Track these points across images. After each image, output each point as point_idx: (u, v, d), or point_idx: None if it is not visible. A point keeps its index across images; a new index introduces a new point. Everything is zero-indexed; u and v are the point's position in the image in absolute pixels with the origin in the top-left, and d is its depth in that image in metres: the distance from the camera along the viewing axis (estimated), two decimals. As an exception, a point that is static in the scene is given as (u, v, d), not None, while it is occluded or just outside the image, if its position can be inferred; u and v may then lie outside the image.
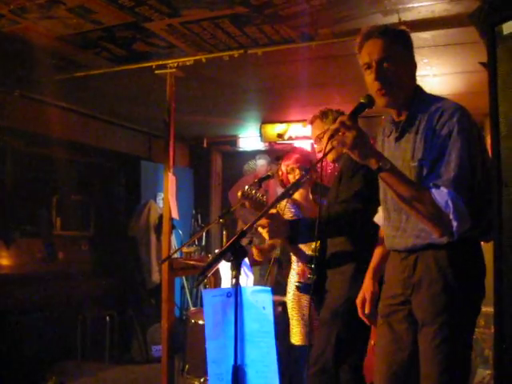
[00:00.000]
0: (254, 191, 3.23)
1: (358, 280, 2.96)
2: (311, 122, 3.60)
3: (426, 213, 2.09)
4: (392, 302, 2.39)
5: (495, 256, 1.59)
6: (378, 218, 2.64)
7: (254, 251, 4.53)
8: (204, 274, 2.65)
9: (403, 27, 2.39)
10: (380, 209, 2.58)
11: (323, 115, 3.53)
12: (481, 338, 5.12)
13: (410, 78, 2.32)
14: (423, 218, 2.12)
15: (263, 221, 2.85)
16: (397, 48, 2.26)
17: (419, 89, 2.35)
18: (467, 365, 2.23)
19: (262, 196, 3.28)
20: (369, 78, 2.29)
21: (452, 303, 2.14)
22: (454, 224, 2.03)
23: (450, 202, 2.02)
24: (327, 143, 2.11)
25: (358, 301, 2.68)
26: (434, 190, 2.06)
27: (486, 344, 5.11)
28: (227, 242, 4.37)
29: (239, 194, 3.20)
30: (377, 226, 2.68)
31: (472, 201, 2.08)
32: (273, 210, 3.02)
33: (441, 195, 2.04)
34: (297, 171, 4.06)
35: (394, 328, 2.36)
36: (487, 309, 5.03)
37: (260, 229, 2.89)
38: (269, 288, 2.13)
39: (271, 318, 2.07)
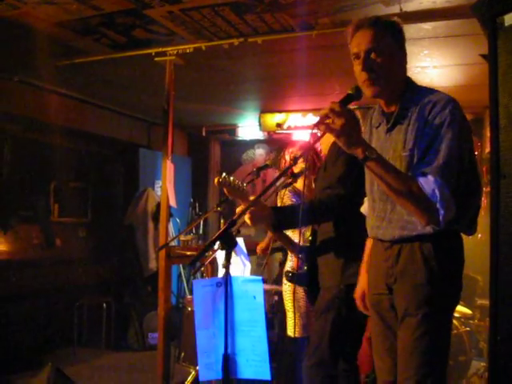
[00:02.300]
0: (231, 178, 3.19)
1: (349, 269, 2.96)
2: None
3: (412, 201, 2.09)
4: (376, 292, 2.40)
5: (492, 247, 1.59)
6: (364, 208, 2.64)
7: (258, 249, 4.54)
8: (194, 264, 2.66)
9: (395, 18, 2.34)
10: (365, 200, 2.58)
11: None
12: (476, 330, 5.15)
13: (399, 70, 2.30)
14: (410, 206, 2.11)
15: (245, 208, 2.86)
16: (386, 39, 2.23)
17: (411, 81, 2.34)
18: (446, 359, 2.24)
19: (241, 183, 3.24)
20: (357, 68, 2.28)
21: (435, 294, 2.14)
22: (441, 213, 2.03)
23: (436, 191, 2.02)
24: (313, 128, 2.10)
25: (357, 296, 2.67)
26: (421, 179, 2.06)
27: (481, 336, 5.14)
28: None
29: (216, 181, 3.15)
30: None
31: (458, 191, 2.08)
32: (253, 197, 3.03)
33: (428, 183, 2.04)
34: (301, 159, 4.05)
35: (384, 316, 2.37)
36: (482, 301, 5.09)
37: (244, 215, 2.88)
38: (260, 277, 2.12)
39: (262, 307, 2.07)
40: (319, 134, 2.16)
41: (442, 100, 2.15)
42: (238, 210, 2.89)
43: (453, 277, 2.18)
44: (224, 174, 3.18)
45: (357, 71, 2.28)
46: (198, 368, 4.34)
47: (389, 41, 2.24)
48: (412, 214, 2.15)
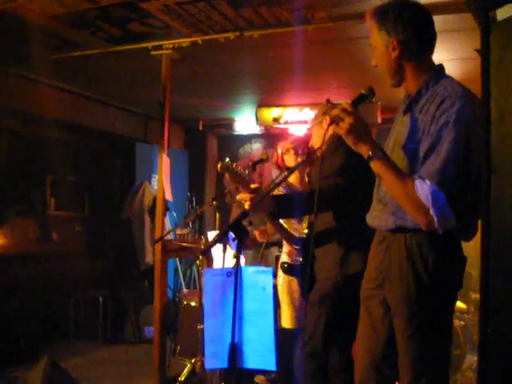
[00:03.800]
0: (234, 164, 3.21)
1: (347, 260, 2.97)
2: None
3: (409, 205, 2.09)
4: (369, 286, 2.39)
5: (482, 242, 1.60)
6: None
7: (256, 233, 4.54)
8: (207, 254, 2.68)
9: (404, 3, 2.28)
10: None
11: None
12: (470, 324, 5.17)
13: (407, 58, 2.24)
14: (407, 208, 2.11)
15: (247, 195, 2.87)
16: (381, 33, 2.24)
17: (438, 69, 2.29)
18: (443, 355, 2.21)
19: (244, 170, 3.26)
20: None
21: (422, 295, 2.13)
22: (435, 219, 2.01)
23: (429, 197, 1.99)
24: (327, 128, 2.17)
25: None
26: (417, 182, 2.03)
27: (475, 330, 5.15)
28: (220, 224, 4.41)
29: (219, 166, 3.16)
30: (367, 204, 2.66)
31: (465, 195, 2.03)
32: (255, 185, 3.05)
33: (423, 188, 2.01)
34: (292, 151, 4.08)
35: (372, 312, 2.37)
36: (477, 296, 5.09)
37: (243, 202, 2.90)
38: (270, 269, 2.18)
39: (271, 298, 2.12)
40: (325, 133, 2.23)
41: (453, 95, 2.09)
42: (239, 197, 2.91)
43: (441, 276, 2.13)
44: (227, 160, 3.20)
45: None
46: (198, 359, 4.41)
47: (385, 33, 2.23)
48: (412, 216, 2.12)
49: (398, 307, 2.19)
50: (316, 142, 3.39)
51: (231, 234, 2.09)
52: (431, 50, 2.32)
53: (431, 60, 2.31)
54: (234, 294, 2.00)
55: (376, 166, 2.12)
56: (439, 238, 2.09)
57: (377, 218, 2.34)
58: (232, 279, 2.06)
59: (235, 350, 2.03)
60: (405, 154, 2.18)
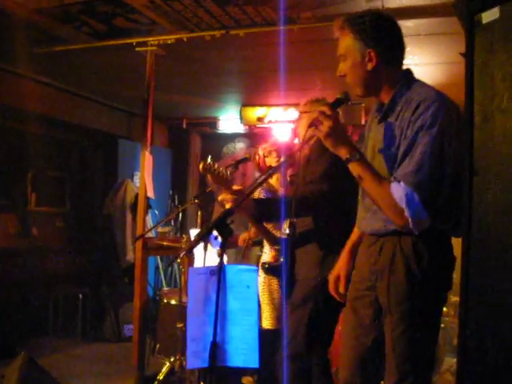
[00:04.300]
0: (216, 165, 3.19)
1: (327, 262, 2.98)
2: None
3: (384, 205, 2.13)
4: (359, 287, 2.40)
5: (463, 245, 1.60)
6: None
7: (240, 239, 4.53)
8: (191, 253, 2.65)
9: (374, 12, 2.35)
10: None
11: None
12: (449, 326, 5.20)
13: (377, 67, 2.23)
14: (383, 210, 2.15)
15: (228, 195, 2.87)
16: (351, 43, 2.25)
17: (408, 74, 2.31)
18: (429, 356, 2.24)
19: (226, 170, 3.24)
20: None
21: (414, 292, 2.15)
22: (409, 220, 2.05)
23: (404, 198, 2.04)
24: (306, 130, 2.21)
25: (331, 278, 2.66)
26: (393, 184, 2.09)
27: (454, 333, 5.18)
28: (202, 223, 4.39)
29: (200, 166, 3.14)
30: (349, 209, 2.68)
31: (439, 196, 2.08)
32: (238, 187, 3.05)
33: (398, 190, 2.06)
34: (274, 154, 4.07)
35: (359, 313, 2.37)
36: (456, 298, 5.12)
37: (224, 202, 2.89)
38: (255, 267, 2.19)
39: (255, 296, 2.13)
40: (304, 135, 2.26)
41: (428, 99, 2.12)
42: (220, 197, 2.90)
43: (434, 275, 2.17)
44: (209, 160, 3.18)
45: None
46: (177, 358, 4.39)
47: (356, 43, 2.24)
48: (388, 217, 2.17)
49: (390, 305, 2.20)
50: (301, 132, 3.37)
51: (214, 233, 2.08)
52: (403, 61, 2.34)
53: (402, 68, 2.33)
54: (217, 292, 2.00)
55: (354, 169, 2.16)
56: (432, 236, 2.14)
57: (367, 225, 2.36)
58: (215, 278, 2.06)
59: (217, 349, 2.02)
60: (385, 160, 2.21)
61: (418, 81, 2.29)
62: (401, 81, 2.26)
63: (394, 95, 2.25)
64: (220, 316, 2.02)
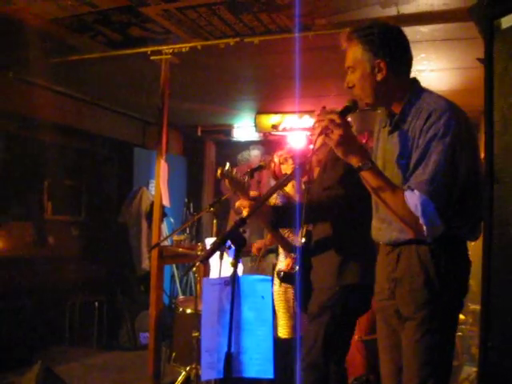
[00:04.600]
0: (234, 171, 3.20)
1: (345, 269, 2.95)
2: None
3: (398, 213, 2.15)
4: (381, 298, 2.41)
5: (484, 253, 1.58)
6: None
7: (253, 247, 4.51)
8: (206, 262, 2.64)
9: (383, 25, 2.34)
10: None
11: None
12: (468, 335, 5.13)
13: (387, 78, 2.25)
14: (397, 218, 2.17)
15: (245, 202, 2.86)
16: (361, 54, 2.25)
17: (416, 83, 2.33)
18: (448, 360, 2.25)
19: (243, 177, 3.25)
20: None
21: (433, 298, 2.16)
22: (424, 228, 2.07)
23: (419, 206, 2.05)
24: (316, 138, 2.19)
25: None
26: (407, 193, 2.09)
27: (473, 341, 5.12)
28: (217, 231, 4.38)
29: (219, 172, 3.14)
30: (364, 216, 2.67)
31: (452, 204, 2.09)
32: (255, 193, 3.04)
33: (412, 198, 2.07)
34: (290, 161, 4.05)
35: (389, 322, 2.39)
36: (475, 306, 5.06)
37: (242, 208, 2.89)
38: (269, 277, 2.16)
39: (270, 306, 2.11)
40: (315, 143, 2.23)
41: (439, 109, 2.13)
42: (238, 204, 2.90)
43: (452, 280, 2.18)
44: (227, 166, 3.19)
45: None
46: (193, 366, 4.37)
47: (365, 54, 2.24)
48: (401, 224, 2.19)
49: (409, 311, 2.22)
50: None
51: (228, 242, 2.07)
52: (410, 70, 2.36)
53: (409, 77, 2.35)
54: (231, 302, 1.98)
55: (366, 177, 2.17)
56: (448, 241, 2.15)
57: (383, 235, 2.37)
58: (230, 288, 2.05)
59: (231, 360, 2.00)
60: (398, 170, 2.22)
61: (426, 90, 2.30)
62: (409, 90, 2.28)
63: (404, 105, 2.27)
64: (234, 326, 2.00)
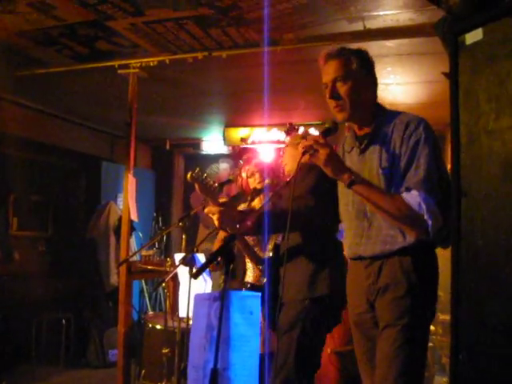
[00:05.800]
0: (204, 175, 3.18)
1: (315, 282, 2.93)
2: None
3: (400, 216, 2.22)
4: (359, 311, 2.44)
5: (453, 265, 1.59)
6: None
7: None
8: (197, 277, 2.61)
9: (362, 49, 2.49)
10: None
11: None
12: (438, 345, 5.17)
13: (367, 94, 2.43)
14: (399, 221, 2.24)
15: (215, 208, 2.82)
16: (351, 66, 2.38)
17: (380, 105, 2.49)
18: (423, 369, 2.31)
19: (213, 182, 3.24)
20: (326, 96, 2.44)
21: (414, 306, 2.22)
22: (429, 223, 2.15)
23: (422, 203, 2.15)
24: (301, 157, 2.27)
25: None
26: (405, 194, 2.20)
27: (443, 352, 5.16)
28: (186, 246, 4.34)
29: (189, 175, 3.13)
30: (335, 228, 2.71)
31: (441, 202, 2.19)
32: (224, 199, 3.03)
33: (413, 197, 2.17)
34: (257, 175, 4.03)
35: (369, 335, 2.42)
36: (445, 317, 5.11)
37: (211, 215, 2.85)
38: (258, 294, 2.18)
39: (258, 322, 2.12)
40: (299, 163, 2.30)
41: (415, 120, 2.30)
42: (207, 210, 2.86)
43: (430, 289, 2.29)
44: (197, 169, 3.17)
45: (327, 100, 2.44)
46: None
47: (354, 68, 2.38)
48: (402, 228, 2.25)
49: (390, 318, 2.26)
50: (288, 162, 3.35)
51: (197, 257, 2.06)
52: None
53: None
54: (219, 318, 1.97)
55: (360, 190, 2.25)
56: (425, 249, 2.27)
57: (365, 249, 2.39)
58: (218, 304, 2.06)
59: (217, 376, 1.98)
60: (380, 181, 2.29)
61: (390, 110, 2.48)
62: (378, 110, 2.45)
63: (375, 124, 2.40)
64: (222, 342, 2.00)
